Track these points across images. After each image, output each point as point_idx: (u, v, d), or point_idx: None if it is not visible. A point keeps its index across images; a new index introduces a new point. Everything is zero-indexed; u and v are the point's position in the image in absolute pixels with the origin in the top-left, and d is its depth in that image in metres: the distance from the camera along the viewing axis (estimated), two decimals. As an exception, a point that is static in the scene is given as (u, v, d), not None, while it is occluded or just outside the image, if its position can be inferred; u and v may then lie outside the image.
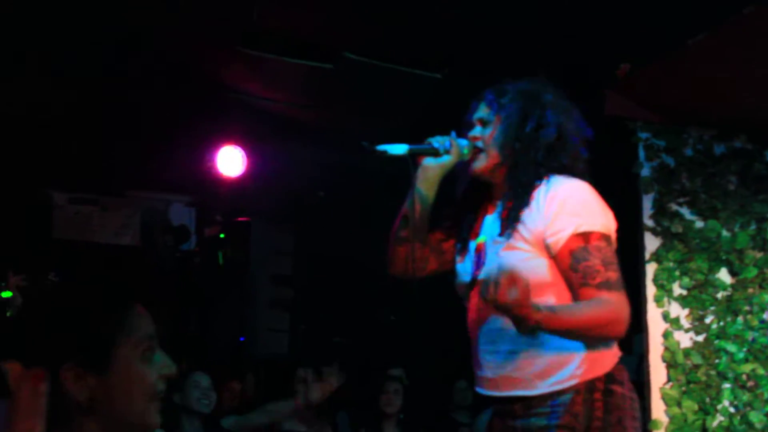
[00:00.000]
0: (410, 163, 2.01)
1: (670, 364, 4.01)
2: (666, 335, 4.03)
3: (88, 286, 1.19)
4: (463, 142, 2.04)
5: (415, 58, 3.76)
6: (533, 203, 1.91)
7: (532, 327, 1.70)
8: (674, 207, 4.15)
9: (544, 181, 1.94)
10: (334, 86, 4.06)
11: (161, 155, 4.65)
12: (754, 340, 4.01)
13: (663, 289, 4.05)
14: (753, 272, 4.07)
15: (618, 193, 4.39)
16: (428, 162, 2.02)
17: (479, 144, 2.02)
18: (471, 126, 2.07)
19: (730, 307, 4.05)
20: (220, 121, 4.50)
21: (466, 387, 4.94)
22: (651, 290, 4.06)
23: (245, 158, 4.55)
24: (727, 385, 3.96)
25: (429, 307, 2.12)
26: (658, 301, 4.04)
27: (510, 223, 1.92)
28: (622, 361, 1.97)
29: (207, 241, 4.71)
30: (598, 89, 3.91)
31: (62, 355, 1.11)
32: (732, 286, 4.09)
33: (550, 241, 1.86)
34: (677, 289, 4.07)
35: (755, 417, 3.91)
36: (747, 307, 4.05)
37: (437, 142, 2.02)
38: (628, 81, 3.80)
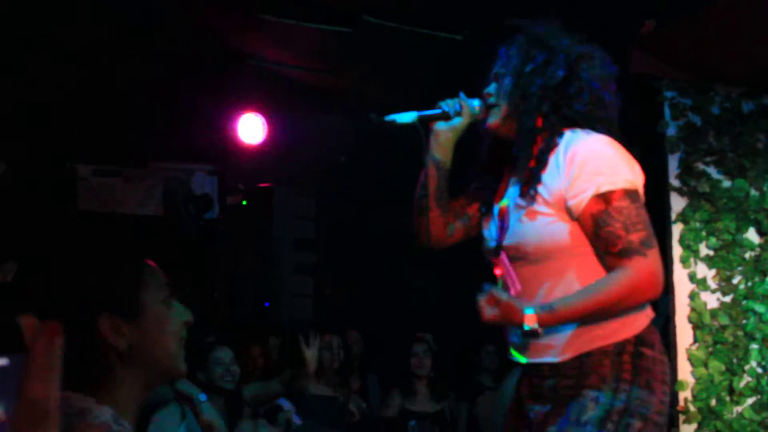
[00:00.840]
0: (421, 130, 1.97)
1: (697, 326, 3.98)
2: (692, 296, 3.99)
3: (107, 246, 1.31)
4: (474, 101, 2.00)
5: (435, 20, 3.70)
6: (552, 163, 1.84)
7: (531, 332, 1.69)
8: (701, 166, 4.09)
9: (564, 137, 1.87)
10: (354, 50, 4.02)
11: (182, 125, 4.65)
12: (782, 300, 3.96)
13: (689, 249, 4.00)
14: (782, 232, 4.01)
15: (643, 153, 4.35)
16: (439, 126, 1.99)
17: (492, 100, 1.97)
18: (488, 83, 2.03)
19: (758, 267, 3.99)
20: (240, 89, 4.49)
21: (494, 351, 4.96)
22: (677, 251, 4.02)
23: (266, 125, 4.54)
24: (754, 346, 3.93)
25: (457, 270, 2.10)
26: (684, 261, 4.00)
27: (531, 185, 1.86)
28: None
29: (230, 209, 4.73)
30: (623, 47, 3.83)
31: (97, 305, 1.16)
32: (760, 245, 4.03)
33: (571, 203, 1.80)
34: (704, 250, 4.02)
35: (783, 377, 3.88)
36: (776, 267, 3.99)
37: (446, 105, 1.99)
38: (653, 38, 3.71)
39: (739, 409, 3.88)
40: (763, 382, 3.89)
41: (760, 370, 3.92)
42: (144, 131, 4.83)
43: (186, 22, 3.76)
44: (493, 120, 1.96)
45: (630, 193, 1.78)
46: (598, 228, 1.77)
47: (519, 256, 1.89)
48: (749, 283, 3.98)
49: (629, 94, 4.16)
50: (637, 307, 1.82)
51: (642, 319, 1.82)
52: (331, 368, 3.99)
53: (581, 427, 1.68)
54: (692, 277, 3.99)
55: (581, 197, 1.79)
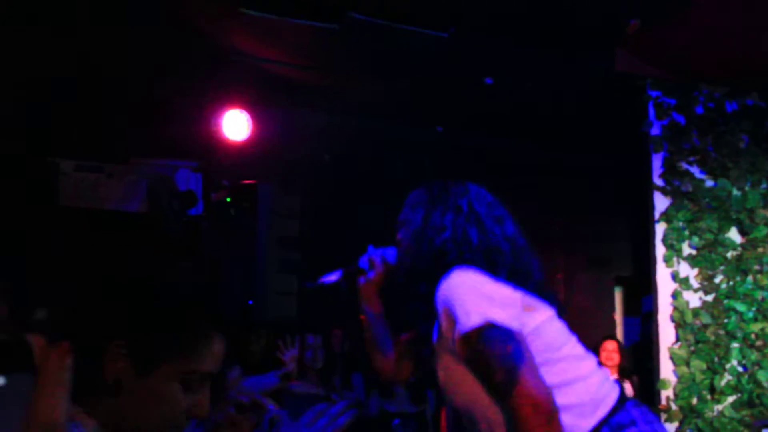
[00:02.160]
0: (343, 288, 2.07)
1: (679, 324, 4.00)
2: (675, 295, 4.02)
3: (189, 300, 1.23)
4: (388, 251, 2.06)
5: (420, 17, 3.70)
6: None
7: None
8: (684, 166, 4.11)
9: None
10: (340, 47, 4.00)
11: (166, 121, 4.61)
12: (763, 300, 3.99)
13: (672, 249, 4.03)
14: (763, 231, 4.04)
15: (627, 152, 4.37)
16: (360, 282, 2.08)
17: (400, 251, 2.00)
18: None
19: (739, 267, 4.03)
20: (224, 86, 4.45)
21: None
22: (660, 250, 4.04)
23: (251, 122, 4.51)
24: (735, 345, 3.96)
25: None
26: (667, 261, 4.03)
27: (428, 339, 1.89)
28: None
29: (214, 205, 4.70)
30: (608, 47, 3.84)
31: (115, 334, 1.13)
32: (742, 245, 4.06)
33: (452, 351, 1.78)
34: (687, 249, 4.05)
35: (763, 376, 3.91)
36: (757, 267, 4.02)
37: (362, 260, 2.07)
38: (637, 37, 3.73)
39: (719, 407, 3.91)
40: (744, 380, 3.93)
41: (740, 369, 3.96)
42: (127, 127, 4.78)
43: (171, 18, 3.73)
44: (401, 276, 1.99)
45: (481, 333, 1.71)
46: (478, 374, 1.75)
47: (459, 410, 1.90)
48: (731, 283, 4.01)
49: (614, 93, 4.21)
50: (582, 408, 1.76)
51: (598, 411, 1.76)
52: (312, 368, 3.98)
53: None
54: (675, 276, 4.02)
55: (452, 344, 1.77)
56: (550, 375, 1.74)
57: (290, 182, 4.32)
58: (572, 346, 1.84)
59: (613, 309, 5.56)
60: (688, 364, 3.96)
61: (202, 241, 4.61)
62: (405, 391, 4.27)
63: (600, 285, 5.06)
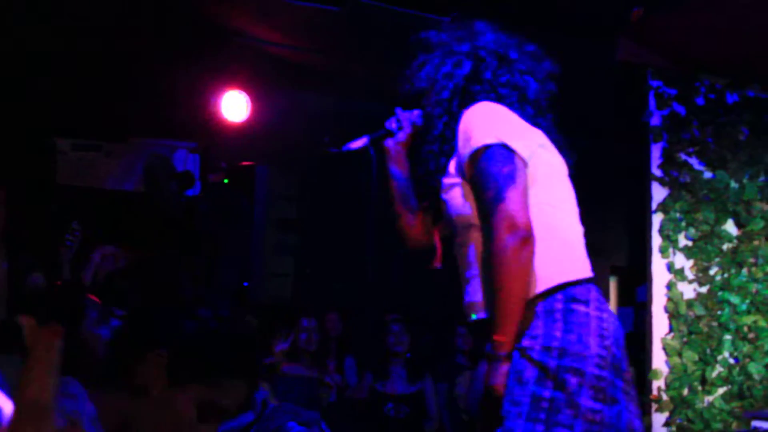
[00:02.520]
0: (373, 152, 2.11)
1: (673, 315, 4.01)
2: (670, 286, 4.02)
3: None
4: (414, 112, 2.10)
5: (423, 0, 3.67)
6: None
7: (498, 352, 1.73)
8: (683, 157, 4.10)
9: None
10: (342, 30, 3.97)
11: (165, 101, 4.59)
12: (757, 292, 4.00)
13: (669, 239, 4.03)
14: (760, 224, 4.04)
15: (626, 141, 4.36)
16: (388, 144, 2.13)
17: (428, 109, 2.06)
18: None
19: (735, 259, 4.03)
20: (224, 66, 4.43)
21: (466, 333, 4.99)
22: (657, 241, 4.05)
23: (250, 103, 4.49)
24: (728, 337, 3.97)
25: (427, 253, 2.15)
26: (663, 251, 4.03)
27: (440, 172, 1.96)
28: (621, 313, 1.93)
29: (212, 187, 4.69)
30: (611, 35, 3.82)
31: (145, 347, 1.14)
32: (738, 237, 4.06)
33: (463, 172, 1.89)
34: (683, 240, 4.05)
35: (754, 368, 3.93)
36: (752, 259, 4.03)
37: (388, 123, 2.12)
38: (640, 26, 3.71)
39: (710, 398, 3.93)
40: (735, 372, 3.95)
41: (732, 361, 3.97)
42: (126, 106, 4.76)
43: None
44: (435, 128, 2.05)
45: (486, 150, 1.81)
46: (476, 194, 1.86)
47: (454, 231, 1.97)
48: (725, 275, 4.02)
49: (615, 82, 4.19)
50: (550, 260, 1.79)
51: (562, 274, 1.79)
52: (306, 351, 3.99)
53: (523, 386, 1.70)
54: (670, 267, 4.02)
55: (462, 162, 1.88)
56: (538, 217, 1.79)
57: (288, 164, 4.32)
58: (570, 207, 1.91)
59: (607, 298, 5.57)
60: (680, 354, 3.98)
61: (199, 223, 4.61)
62: (402, 370, 4.27)
63: (595, 274, 5.06)
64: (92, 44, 4.16)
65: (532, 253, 1.74)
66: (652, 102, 4.13)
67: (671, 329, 4.00)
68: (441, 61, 2.00)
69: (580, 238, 1.90)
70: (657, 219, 4.06)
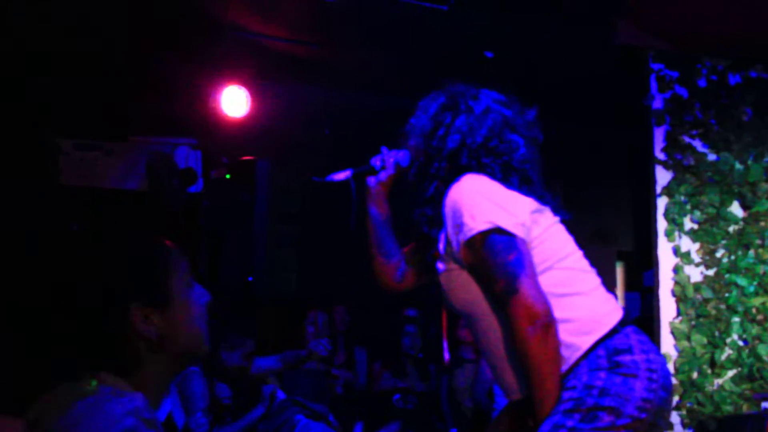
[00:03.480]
0: (354, 186, 2.06)
1: (680, 299, 4.00)
2: (676, 269, 4.01)
3: (134, 233, 1.26)
4: (401, 153, 2.04)
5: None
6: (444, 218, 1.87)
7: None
8: (686, 139, 4.08)
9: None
10: (338, 21, 3.96)
11: (164, 98, 4.57)
12: (765, 274, 3.98)
13: (674, 223, 4.01)
14: (766, 205, 4.01)
15: (629, 125, 4.34)
16: (370, 182, 2.07)
17: (412, 154, 2.02)
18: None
19: (741, 241, 4.01)
20: (222, 61, 4.41)
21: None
22: (662, 225, 4.03)
23: (249, 98, 4.47)
24: (736, 319, 3.96)
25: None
26: (669, 235, 4.01)
27: (430, 247, 1.89)
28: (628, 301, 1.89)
29: (214, 183, 4.68)
30: (609, 18, 3.79)
31: (128, 296, 1.15)
32: (744, 219, 4.04)
33: (458, 257, 1.81)
34: (688, 223, 4.03)
35: (763, 350, 3.91)
36: (759, 241, 4.01)
37: (373, 160, 2.06)
38: (640, 8, 3.68)
39: (719, 381, 3.92)
40: (744, 354, 3.93)
41: (741, 343, 3.96)
42: (126, 104, 4.74)
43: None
44: (412, 176, 2.01)
45: (486, 235, 1.73)
46: (479, 278, 1.79)
47: (460, 315, 1.93)
48: (732, 257, 4.00)
49: (616, 65, 4.17)
50: (578, 323, 1.75)
51: (595, 332, 1.75)
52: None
53: (552, 416, 1.66)
54: (677, 251, 4.01)
55: (458, 251, 1.80)
56: (552, 284, 1.75)
57: (290, 158, 4.30)
58: (577, 258, 1.86)
59: (614, 284, 5.56)
60: (688, 338, 3.96)
61: (202, 219, 4.61)
62: (413, 367, 4.28)
63: (601, 260, 5.04)
64: (91, 43, 4.15)
65: (556, 334, 1.68)
66: (653, 85, 4.10)
67: (679, 313, 3.99)
68: (439, 117, 1.92)
69: (597, 284, 1.85)
70: (662, 203, 4.04)
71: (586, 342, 1.73)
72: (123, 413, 1.05)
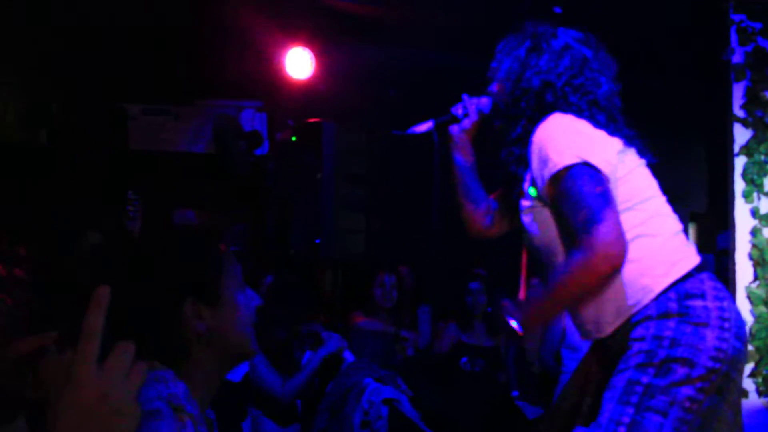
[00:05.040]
0: (437, 137, 2.09)
1: (758, 262, 3.85)
2: (754, 232, 3.85)
3: (190, 232, 1.37)
4: (483, 99, 2.05)
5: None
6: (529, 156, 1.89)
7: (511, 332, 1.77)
8: (768, 96, 3.89)
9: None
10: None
11: (229, 61, 4.61)
12: None
13: (753, 184, 3.85)
14: None
15: (708, 80, 4.15)
16: (453, 130, 2.09)
17: (495, 99, 2.03)
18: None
19: (825, 202, 3.82)
20: (286, 23, 4.40)
21: (539, 285, 4.93)
22: (740, 185, 3.87)
23: (314, 59, 4.47)
24: (817, 283, 3.80)
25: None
26: (747, 196, 3.85)
27: (516, 185, 1.92)
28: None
29: (279, 145, 4.72)
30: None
31: (183, 291, 1.22)
32: (828, 179, 3.84)
33: (541, 194, 1.83)
34: (768, 184, 3.86)
35: None
36: None
37: (454, 109, 2.08)
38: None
39: (797, 347, 3.78)
40: (825, 318, 3.78)
41: (822, 307, 3.80)
42: (191, 69, 4.81)
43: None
44: (497, 120, 2.02)
45: (571, 170, 1.73)
46: (560, 214, 1.79)
47: (537, 253, 1.95)
48: (815, 219, 3.82)
49: (695, 16, 3.97)
50: (653, 263, 1.74)
51: (669, 274, 1.73)
52: (383, 307, 4.00)
53: (623, 372, 1.67)
54: (755, 212, 3.85)
55: (542, 187, 1.81)
56: (631, 224, 1.75)
57: (354, 119, 4.29)
58: (660, 203, 1.85)
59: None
60: (766, 303, 3.83)
61: (269, 181, 4.66)
62: (482, 324, 4.28)
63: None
64: (155, 8, 4.20)
65: (610, 276, 1.70)
66: (734, 38, 3.90)
67: (756, 277, 3.85)
68: (523, 58, 1.92)
69: (677, 229, 1.83)
70: (740, 162, 3.88)
71: (659, 284, 1.72)
72: (155, 396, 1.10)
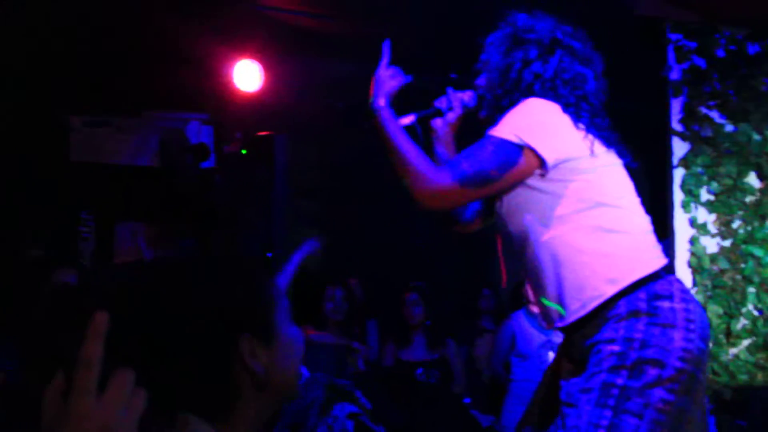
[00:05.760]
0: (420, 130, 2.09)
1: (696, 270, 4.00)
2: (693, 241, 4.01)
3: (241, 260, 1.18)
4: (466, 93, 2.08)
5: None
6: None
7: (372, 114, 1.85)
8: (704, 111, 4.05)
9: None
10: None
11: (175, 73, 4.54)
12: (781, 244, 3.98)
13: (691, 194, 4.01)
14: (783, 176, 4.00)
15: (647, 96, 4.30)
16: (435, 123, 2.11)
17: (481, 92, 2.06)
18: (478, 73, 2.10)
19: (758, 212, 4.01)
20: (235, 35, 4.36)
21: (491, 294, 5.01)
22: (678, 196, 4.02)
23: (263, 72, 4.44)
24: (752, 289, 3.97)
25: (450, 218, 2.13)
26: (685, 206, 4.01)
27: None
28: None
29: (227, 158, 4.67)
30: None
31: (240, 327, 1.06)
32: (760, 190, 4.03)
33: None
34: (705, 195, 4.02)
35: (779, 319, 3.94)
36: (775, 211, 4.00)
37: (438, 102, 2.10)
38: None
39: (735, 351, 3.94)
40: (759, 324, 3.95)
41: (756, 313, 3.98)
42: (136, 79, 4.71)
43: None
44: (483, 113, 2.05)
45: (499, 142, 1.82)
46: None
47: (509, 239, 2.00)
48: (749, 228, 4.00)
49: (634, 36, 4.12)
50: (623, 258, 1.79)
51: (638, 270, 1.78)
52: (333, 319, 4.00)
53: (597, 374, 1.70)
54: (693, 222, 4.01)
55: None
56: (604, 219, 1.80)
57: (304, 132, 4.29)
58: (634, 201, 1.91)
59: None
60: (704, 309, 3.97)
61: (216, 195, 4.60)
62: (422, 337, 4.29)
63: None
64: (98, 17, 4.11)
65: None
66: (671, 56, 4.07)
67: (695, 284, 4.00)
68: (513, 51, 1.96)
69: (648, 229, 1.88)
70: (678, 174, 4.03)
71: (627, 278, 1.77)
72: None
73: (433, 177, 1.81)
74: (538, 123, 1.83)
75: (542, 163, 1.81)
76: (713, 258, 3.97)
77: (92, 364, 0.71)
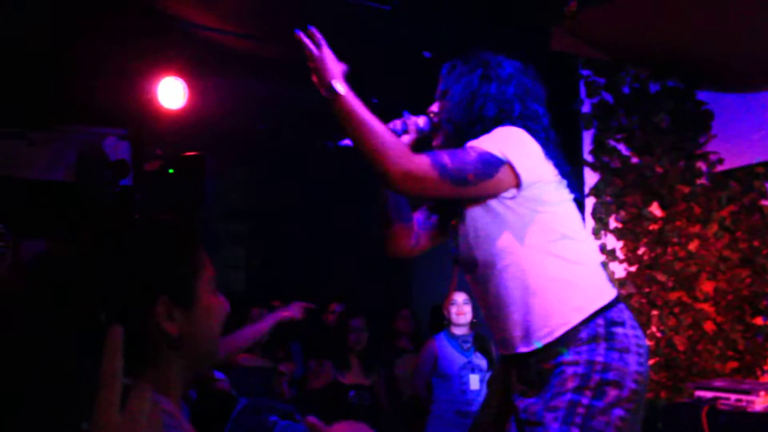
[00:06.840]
0: None
1: (605, 294, 4.21)
2: (603, 266, 4.21)
3: (169, 227, 1.23)
4: (420, 119, 2.12)
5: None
6: None
7: (330, 93, 1.84)
8: (612, 143, 4.30)
9: None
10: (280, 16, 3.93)
11: (93, 86, 4.41)
12: (681, 270, 4.25)
13: (601, 222, 4.23)
14: (681, 206, 4.28)
15: (560, 128, 4.52)
16: None
17: (435, 120, 2.11)
18: (434, 101, 2.15)
19: (660, 239, 4.27)
20: (160, 52, 4.30)
21: (409, 315, 5.10)
22: (590, 223, 4.24)
23: (187, 90, 4.38)
24: (655, 312, 4.22)
25: (377, 240, 2.17)
26: (596, 233, 4.23)
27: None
28: None
29: (147, 176, 4.56)
30: (546, 26, 3.95)
31: (156, 290, 1.13)
32: (662, 219, 4.30)
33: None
34: (613, 222, 4.26)
35: (678, 341, 4.19)
36: (675, 239, 4.28)
37: (392, 124, 2.11)
38: (574, 18, 3.85)
39: (639, 370, 4.16)
40: (661, 345, 4.19)
41: (659, 335, 4.22)
42: (51, 92, 4.55)
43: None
44: (437, 140, 2.11)
45: (486, 153, 1.87)
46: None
47: (471, 265, 2.03)
48: (652, 254, 4.26)
49: (549, 71, 4.33)
50: (585, 289, 1.90)
51: (597, 300, 1.90)
52: (258, 342, 3.95)
53: (562, 394, 1.81)
54: (603, 248, 4.23)
55: None
56: (570, 251, 1.91)
57: (229, 152, 4.25)
58: (588, 235, 2.05)
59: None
60: (612, 330, 4.18)
61: (136, 212, 4.48)
62: (358, 362, 4.32)
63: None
64: (12, 27, 3.96)
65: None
66: (582, 90, 4.30)
67: (604, 307, 4.20)
68: (476, 85, 2.01)
69: (599, 260, 2.04)
70: (590, 202, 4.25)
71: (590, 307, 1.88)
72: None
73: (411, 157, 1.80)
74: (518, 144, 1.89)
75: (518, 183, 1.86)
76: (622, 283, 4.20)
77: (115, 379, 0.73)
